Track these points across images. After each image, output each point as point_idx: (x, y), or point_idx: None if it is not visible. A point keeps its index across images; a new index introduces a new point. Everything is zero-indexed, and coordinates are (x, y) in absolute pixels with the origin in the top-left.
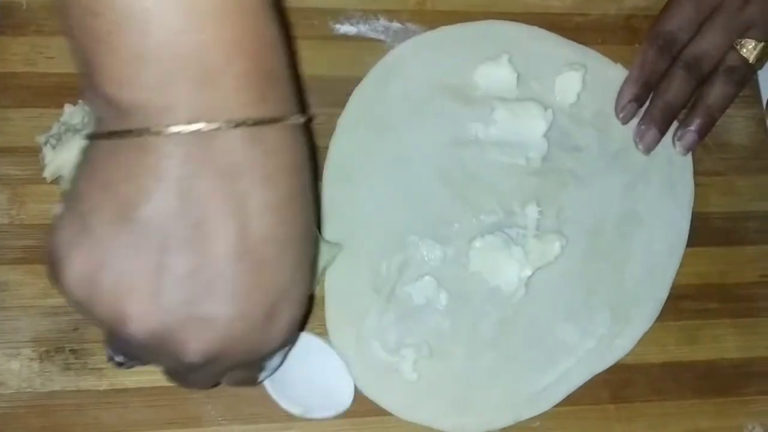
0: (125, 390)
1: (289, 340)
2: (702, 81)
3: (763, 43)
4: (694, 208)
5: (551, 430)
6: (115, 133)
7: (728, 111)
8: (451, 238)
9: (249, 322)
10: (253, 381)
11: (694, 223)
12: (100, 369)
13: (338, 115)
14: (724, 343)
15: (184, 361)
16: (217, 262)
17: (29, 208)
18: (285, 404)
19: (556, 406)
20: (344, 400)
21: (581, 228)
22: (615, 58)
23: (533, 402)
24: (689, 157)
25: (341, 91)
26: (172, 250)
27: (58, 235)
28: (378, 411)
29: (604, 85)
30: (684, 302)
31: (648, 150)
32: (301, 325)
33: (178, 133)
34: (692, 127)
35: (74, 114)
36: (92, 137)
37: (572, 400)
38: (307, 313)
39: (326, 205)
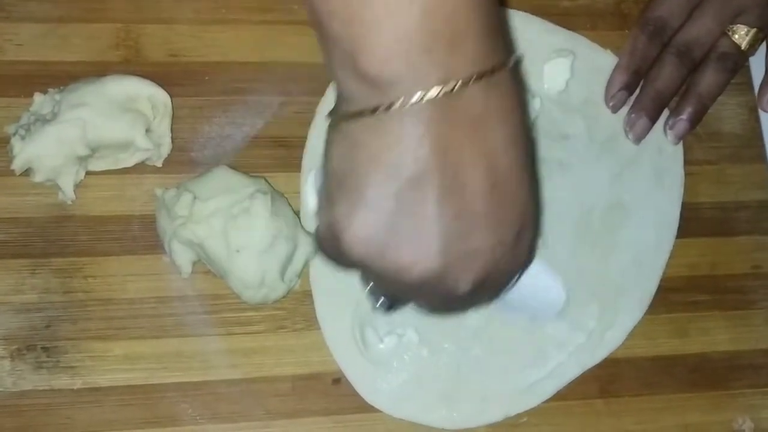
0: (99, 389)
1: (530, 260)
2: (693, 68)
3: (755, 29)
4: (684, 198)
5: (539, 426)
6: (378, 108)
7: (720, 99)
8: None
9: (505, 245)
10: (489, 302)
11: (684, 214)
12: (74, 367)
13: (317, 103)
14: (714, 336)
15: (456, 293)
16: (475, 201)
17: None
18: (512, 316)
19: (544, 401)
20: (559, 299)
21: (568, 218)
22: (605, 44)
23: (523, 397)
24: (680, 146)
25: (321, 79)
26: (439, 200)
27: (335, 210)
28: (361, 408)
29: (593, 72)
30: (674, 295)
31: (638, 139)
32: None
33: (434, 98)
34: (683, 116)
35: (44, 104)
36: (352, 116)
37: (560, 395)
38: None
39: (306, 195)
